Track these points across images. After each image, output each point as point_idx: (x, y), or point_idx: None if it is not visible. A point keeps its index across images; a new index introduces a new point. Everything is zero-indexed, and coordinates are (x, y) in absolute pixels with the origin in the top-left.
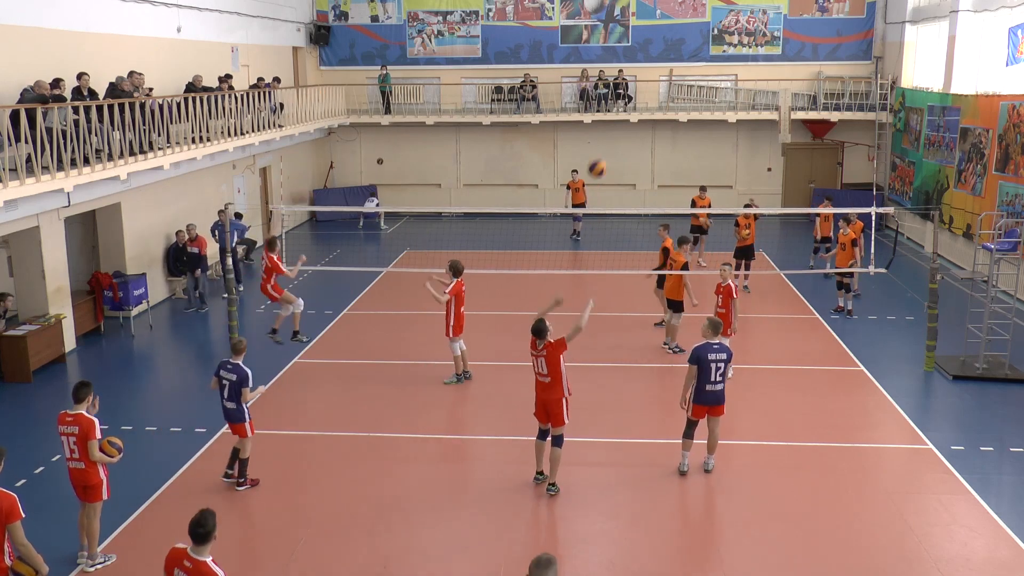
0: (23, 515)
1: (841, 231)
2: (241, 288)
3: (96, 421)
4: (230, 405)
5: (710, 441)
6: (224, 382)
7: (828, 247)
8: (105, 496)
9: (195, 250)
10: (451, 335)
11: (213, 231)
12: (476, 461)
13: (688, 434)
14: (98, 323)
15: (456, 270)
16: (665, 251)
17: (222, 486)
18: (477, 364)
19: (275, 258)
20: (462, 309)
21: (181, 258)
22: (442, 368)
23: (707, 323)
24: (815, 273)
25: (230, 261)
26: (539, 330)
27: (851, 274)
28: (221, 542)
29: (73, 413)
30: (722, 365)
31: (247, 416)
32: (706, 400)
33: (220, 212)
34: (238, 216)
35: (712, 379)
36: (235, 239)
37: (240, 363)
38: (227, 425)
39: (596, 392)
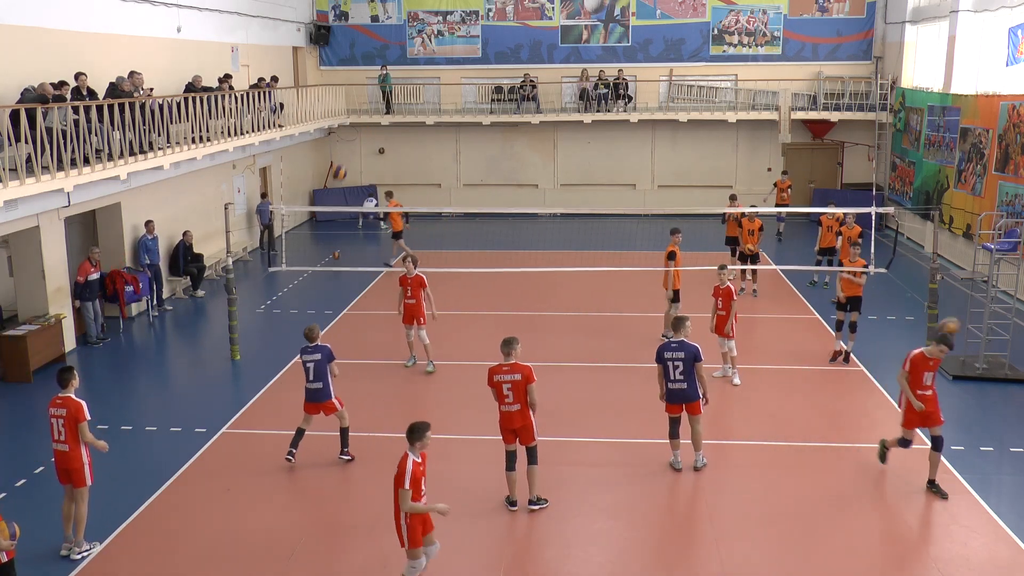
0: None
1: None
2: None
3: (84, 404)
4: (316, 386)
5: (693, 439)
6: (308, 365)
7: (831, 259)
8: (89, 481)
9: (95, 275)
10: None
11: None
12: (476, 461)
13: (672, 433)
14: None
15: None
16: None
17: (221, 486)
18: (478, 364)
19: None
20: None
21: (187, 257)
22: (442, 368)
23: (673, 321)
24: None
25: (230, 261)
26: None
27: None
28: (222, 542)
29: (63, 396)
30: (680, 364)
31: (333, 392)
32: (671, 398)
33: (147, 223)
34: (263, 196)
35: (672, 377)
36: (145, 256)
37: (319, 343)
38: (305, 407)
39: (595, 392)
